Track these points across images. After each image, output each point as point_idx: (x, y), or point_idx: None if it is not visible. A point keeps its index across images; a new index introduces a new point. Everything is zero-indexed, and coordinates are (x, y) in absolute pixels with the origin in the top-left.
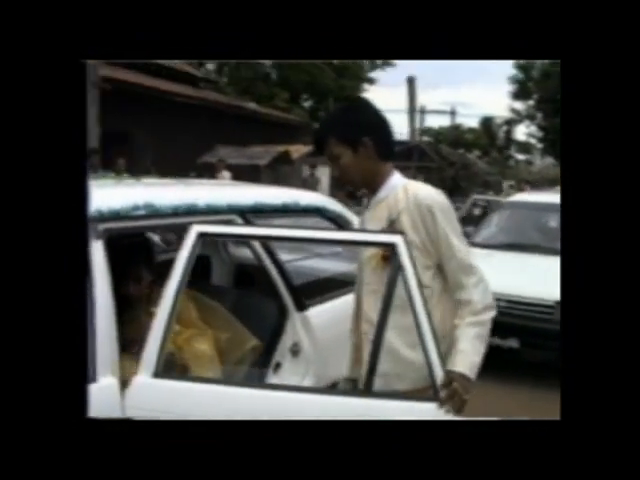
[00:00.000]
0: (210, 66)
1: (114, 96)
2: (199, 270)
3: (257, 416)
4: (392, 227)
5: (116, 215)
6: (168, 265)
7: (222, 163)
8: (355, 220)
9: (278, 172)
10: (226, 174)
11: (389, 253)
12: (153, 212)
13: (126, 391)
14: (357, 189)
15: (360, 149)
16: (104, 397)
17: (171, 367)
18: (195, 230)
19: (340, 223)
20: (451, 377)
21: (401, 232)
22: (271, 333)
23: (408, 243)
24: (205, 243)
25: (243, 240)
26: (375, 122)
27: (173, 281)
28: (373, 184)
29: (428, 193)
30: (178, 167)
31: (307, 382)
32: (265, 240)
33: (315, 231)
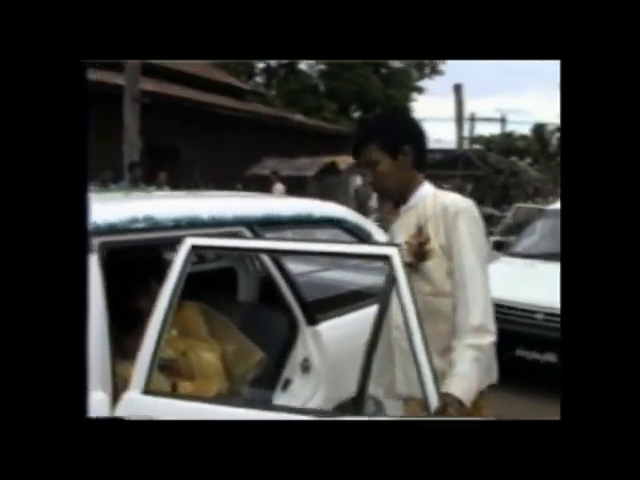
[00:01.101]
0: (258, 79)
1: (161, 110)
2: (220, 283)
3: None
4: (420, 234)
5: (113, 229)
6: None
7: (276, 176)
8: (375, 231)
9: (325, 183)
10: (279, 187)
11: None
12: (153, 225)
13: (116, 407)
14: (388, 197)
15: (400, 157)
16: (93, 412)
17: (175, 373)
18: (188, 243)
19: (359, 235)
20: (447, 401)
21: (396, 244)
22: (281, 348)
23: (403, 256)
24: (225, 256)
25: (238, 253)
26: (416, 132)
27: (164, 296)
28: (406, 193)
29: (455, 201)
30: (225, 180)
31: (317, 399)
32: (258, 253)
33: (309, 243)
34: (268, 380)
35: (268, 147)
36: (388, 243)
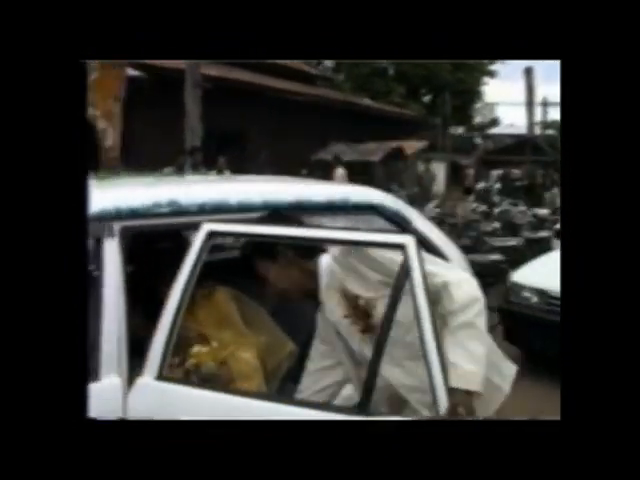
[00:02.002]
0: (328, 63)
1: (228, 95)
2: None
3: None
4: (352, 300)
5: (134, 213)
6: (216, 267)
7: (337, 160)
8: (417, 218)
9: (391, 168)
10: (341, 171)
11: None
12: (177, 210)
13: (129, 392)
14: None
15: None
16: (106, 397)
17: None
18: (205, 229)
19: (398, 222)
20: (455, 402)
21: (412, 232)
22: (309, 337)
23: (418, 245)
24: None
25: (255, 239)
26: None
27: (180, 282)
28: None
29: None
30: (291, 164)
31: (346, 390)
32: (275, 239)
33: (325, 230)
34: (297, 372)
35: (335, 132)
36: (404, 232)
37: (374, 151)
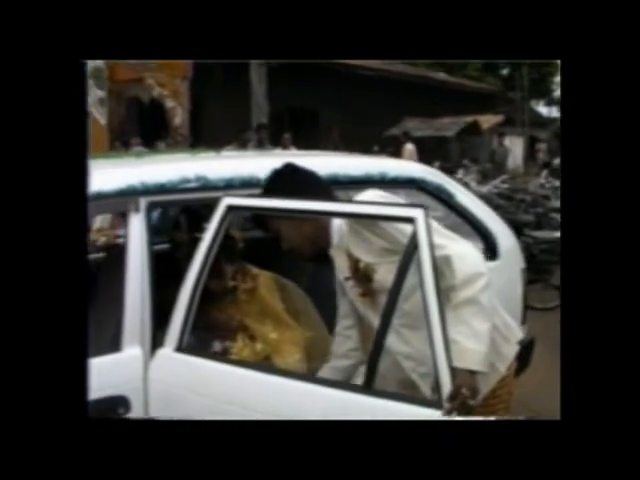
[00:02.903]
0: None
1: (300, 73)
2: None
3: (270, 399)
4: (353, 263)
5: (161, 188)
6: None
7: (406, 136)
8: (461, 192)
9: (466, 143)
10: (410, 147)
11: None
12: (205, 185)
13: (150, 363)
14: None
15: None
16: (128, 367)
17: None
18: (224, 203)
19: (440, 196)
20: (459, 382)
21: (422, 205)
22: None
23: (428, 218)
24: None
25: (273, 213)
26: (309, 186)
27: (199, 255)
28: (322, 242)
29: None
30: (365, 141)
31: None
32: (291, 213)
33: (336, 203)
34: None
35: (410, 107)
36: (414, 205)
37: (448, 126)
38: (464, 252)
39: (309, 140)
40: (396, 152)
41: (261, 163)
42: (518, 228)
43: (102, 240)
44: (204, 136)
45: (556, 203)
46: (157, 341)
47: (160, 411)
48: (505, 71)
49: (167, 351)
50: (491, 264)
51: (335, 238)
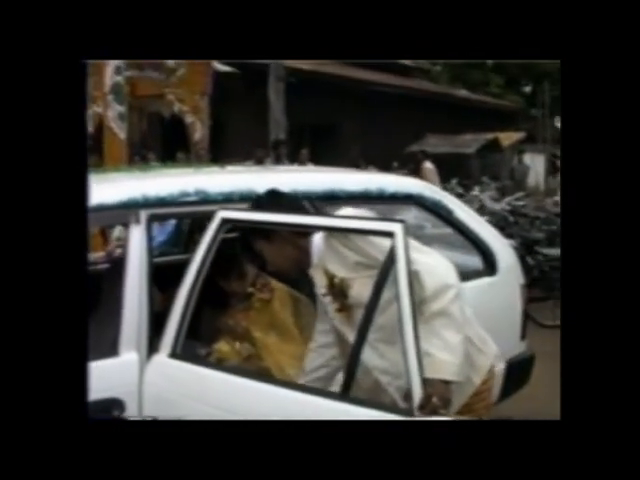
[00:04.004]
0: None
1: (321, 89)
2: None
3: (254, 407)
4: (329, 278)
5: (162, 201)
6: None
7: (423, 154)
8: (459, 207)
9: (486, 160)
10: (429, 165)
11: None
12: (205, 198)
13: (145, 367)
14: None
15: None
16: (124, 372)
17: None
18: (219, 216)
19: (438, 212)
20: (429, 391)
21: (401, 220)
22: None
23: (406, 233)
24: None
25: (268, 227)
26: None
27: (193, 266)
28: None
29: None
30: (385, 157)
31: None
32: (281, 226)
33: (321, 218)
34: None
35: (431, 124)
36: (394, 219)
37: (469, 143)
38: (433, 265)
39: (329, 156)
40: (415, 170)
41: (260, 178)
42: (529, 245)
43: (119, 251)
44: (224, 151)
45: None
46: (153, 347)
47: (153, 414)
48: (527, 88)
49: (162, 357)
50: (490, 279)
51: (315, 258)
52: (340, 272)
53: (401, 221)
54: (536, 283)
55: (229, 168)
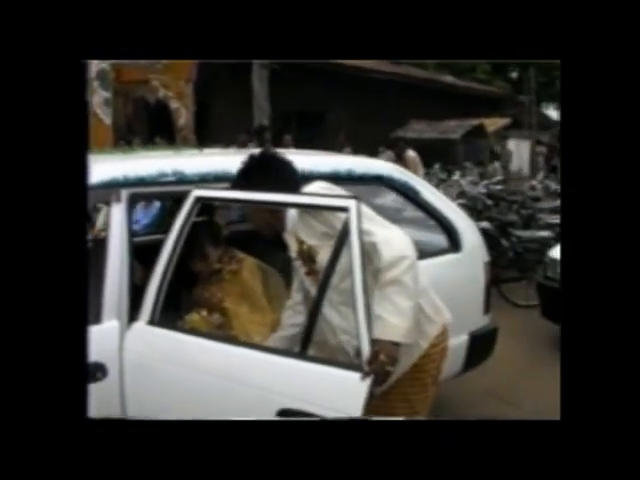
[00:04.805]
0: None
1: (307, 75)
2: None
3: (220, 366)
4: (299, 244)
5: (141, 181)
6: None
7: (404, 143)
8: (426, 189)
9: (471, 146)
10: (411, 154)
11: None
12: (182, 179)
13: (125, 334)
14: (265, 234)
15: None
16: (106, 338)
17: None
18: (193, 194)
19: (406, 193)
20: (377, 349)
21: (355, 197)
22: None
23: (360, 208)
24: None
25: (235, 203)
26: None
27: (169, 241)
28: (276, 225)
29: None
30: (371, 143)
31: None
32: (250, 202)
33: (285, 195)
34: None
35: (417, 110)
36: (348, 196)
37: (454, 129)
38: (390, 237)
39: (315, 141)
40: (399, 157)
41: (234, 160)
42: (503, 227)
43: (103, 234)
44: (209, 136)
45: (545, 204)
46: (133, 316)
47: (132, 375)
48: (514, 74)
49: (140, 324)
50: (454, 256)
51: (289, 224)
52: (310, 240)
53: (355, 197)
54: (510, 264)
55: (206, 151)
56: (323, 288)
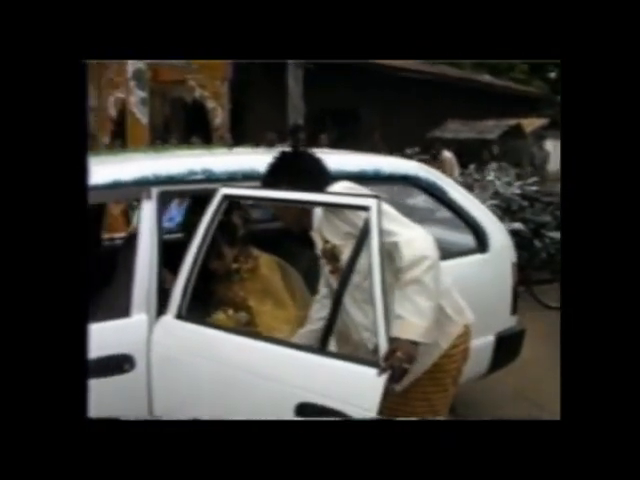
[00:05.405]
0: None
1: (344, 75)
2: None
3: (243, 359)
4: (325, 242)
5: (171, 179)
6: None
7: (440, 144)
8: (454, 189)
9: (508, 146)
10: (448, 155)
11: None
12: (211, 177)
13: (153, 328)
14: (294, 231)
15: None
16: (135, 331)
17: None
18: (221, 192)
19: (434, 192)
20: (394, 346)
21: (376, 196)
22: None
23: (381, 207)
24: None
25: (262, 202)
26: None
27: (197, 237)
28: (305, 223)
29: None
30: (406, 143)
31: None
32: (276, 200)
33: (308, 194)
34: None
35: (455, 110)
36: (369, 195)
37: (491, 129)
38: (412, 237)
39: (350, 141)
40: (435, 158)
41: (263, 159)
42: (536, 229)
43: None
44: (244, 135)
45: None
46: (161, 309)
47: (159, 368)
48: (552, 74)
49: (168, 318)
50: (481, 257)
51: (315, 222)
52: (333, 239)
53: (376, 196)
54: (543, 266)
55: (236, 150)
56: (343, 286)
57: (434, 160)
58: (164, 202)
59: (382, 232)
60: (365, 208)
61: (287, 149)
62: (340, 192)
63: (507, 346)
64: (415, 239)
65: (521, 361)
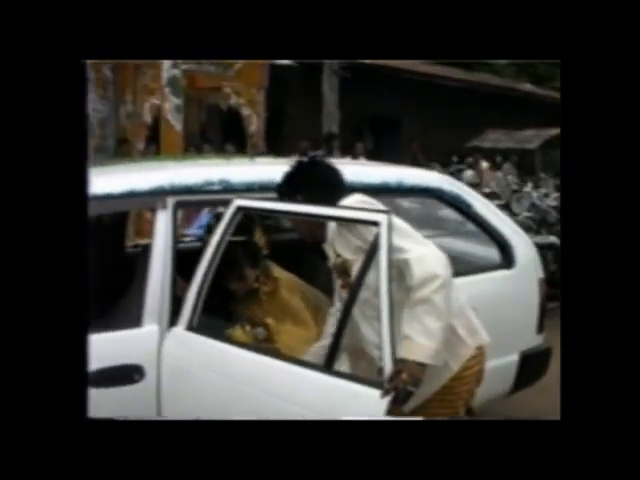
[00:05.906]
0: None
1: (382, 82)
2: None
3: (254, 375)
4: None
5: (187, 189)
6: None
7: (479, 153)
8: (478, 201)
9: (549, 156)
10: (485, 165)
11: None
12: (228, 187)
13: (165, 338)
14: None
15: None
16: (145, 341)
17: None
18: (235, 203)
19: (457, 205)
20: (399, 367)
21: (386, 211)
22: None
23: (391, 222)
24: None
25: (276, 214)
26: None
27: (209, 248)
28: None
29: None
30: (445, 152)
31: None
32: (288, 213)
33: (319, 208)
34: None
35: (494, 119)
36: (380, 210)
37: (531, 139)
38: (423, 255)
39: (389, 150)
40: (473, 167)
41: (281, 170)
42: None
43: None
44: (279, 144)
45: None
46: (173, 321)
47: (169, 379)
48: None
49: (179, 329)
50: (507, 272)
51: (329, 234)
52: (345, 253)
53: (386, 212)
54: None
55: (257, 160)
56: (351, 302)
57: (473, 170)
58: (179, 212)
59: (393, 248)
60: (375, 223)
61: (304, 158)
62: (351, 206)
63: (532, 365)
64: (426, 257)
65: (551, 379)
